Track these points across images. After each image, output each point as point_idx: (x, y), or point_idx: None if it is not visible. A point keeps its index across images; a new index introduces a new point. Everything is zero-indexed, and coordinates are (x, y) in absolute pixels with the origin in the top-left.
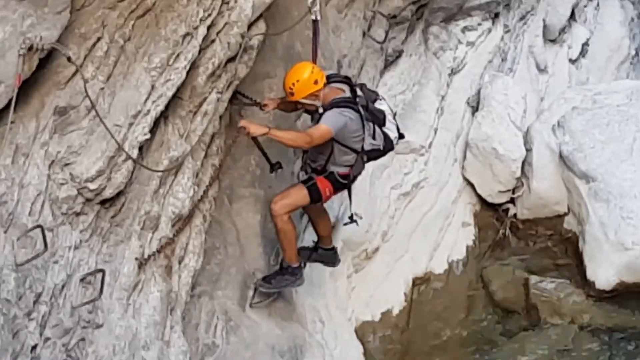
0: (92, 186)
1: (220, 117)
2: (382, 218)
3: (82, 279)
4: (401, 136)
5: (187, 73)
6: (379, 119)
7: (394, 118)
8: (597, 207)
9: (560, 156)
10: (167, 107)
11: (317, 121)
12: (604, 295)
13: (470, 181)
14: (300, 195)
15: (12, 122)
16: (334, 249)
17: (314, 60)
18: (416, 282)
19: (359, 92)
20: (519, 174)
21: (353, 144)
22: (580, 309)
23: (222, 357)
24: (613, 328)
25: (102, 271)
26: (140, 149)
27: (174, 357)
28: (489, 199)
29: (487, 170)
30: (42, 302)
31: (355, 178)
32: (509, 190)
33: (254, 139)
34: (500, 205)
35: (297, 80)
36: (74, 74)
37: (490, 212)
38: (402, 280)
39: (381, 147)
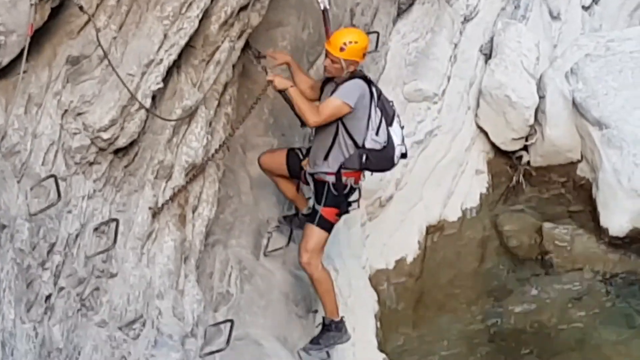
0: (105, 135)
1: (234, 66)
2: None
3: (96, 229)
4: (404, 155)
5: (200, 22)
6: (388, 114)
7: (401, 126)
8: (610, 154)
9: (574, 103)
10: (179, 56)
11: (332, 93)
12: (617, 242)
13: (483, 129)
14: (317, 234)
15: (24, 72)
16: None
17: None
18: (430, 230)
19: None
20: (532, 121)
21: (357, 133)
22: (593, 255)
23: (236, 306)
24: (626, 274)
25: (116, 220)
26: (153, 98)
27: (188, 306)
28: (502, 147)
29: (501, 117)
30: (56, 251)
31: (352, 189)
32: (522, 138)
33: (281, 92)
34: (513, 152)
35: (356, 42)
36: (86, 24)
37: (503, 159)
38: (416, 228)
39: (384, 145)
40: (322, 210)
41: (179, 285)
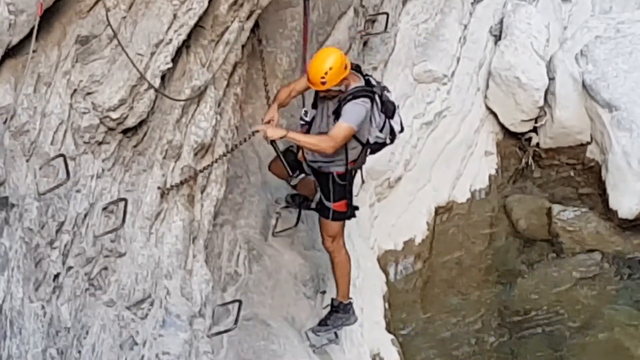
0: (114, 115)
1: (243, 46)
2: (404, 147)
3: (105, 208)
4: (402, 129)
5: (209, 2)
6: (389, 111)
7: (399, 111)
8: (620, 136)
9: (583, 85)
10: (189, 36)
11: (336, 114)
12: (626, 224)
13: (492, 110)
14: (335, 226)
15: (34, 51)
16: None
17: (305, 42)
18: (439, 211)
19: (373, 81)
20: (541, 103)
21: (361, 136)
22: (602, 238)
23: (244, 286)
24: (635, 256)
25: (125, 200)
26: (163, 78)
27: (196, 286)
28: (512, 128)
29: (510, 99)
30: (64, 231)
31: (354, 174)
32: (531, 119)
33: (272, 142)
34: (522, 134)
35: (330, 68)
36: (96, 3)
37: (512, 141)
38: (425, 209)
39: (387, 141)
40: (333, 206)
41: (187, 265)
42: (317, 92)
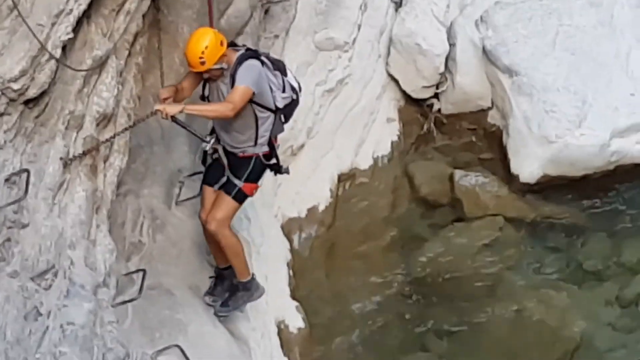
0: (15, 86)
1: (144, 16)
2: (307, 115)
3: (7, 180)
4: (299, 85)
5: None
6: (280, 68)
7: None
8: (520, 101)
9: (484, 51)
10: (89, 6)
11: (232, 84)
12: (527, 189)
13: (394, 77)
14: (230, 206)
15: None
16: None
17: (210, 11)
18: (342, 178)
19: (252, 47)
20: (442, 69)
21: (268, 102)
22: (504, 202)
23: (148, 255)
24: (537, 220)
25: (27, 171)
26: (64, 48)
27: (100, 256)
28: (413, 95)
29: (411, 65)
30: None
31: (276, 153)
32: (433, 86)
33: (173, 118)
34: (424, 100)
35: (206, 47)
36: None
37: (414, 107)
38: (328, 177)
39: (294, 97)
40: (242, 185)
41: (91, 235)
42: (204, 84)
